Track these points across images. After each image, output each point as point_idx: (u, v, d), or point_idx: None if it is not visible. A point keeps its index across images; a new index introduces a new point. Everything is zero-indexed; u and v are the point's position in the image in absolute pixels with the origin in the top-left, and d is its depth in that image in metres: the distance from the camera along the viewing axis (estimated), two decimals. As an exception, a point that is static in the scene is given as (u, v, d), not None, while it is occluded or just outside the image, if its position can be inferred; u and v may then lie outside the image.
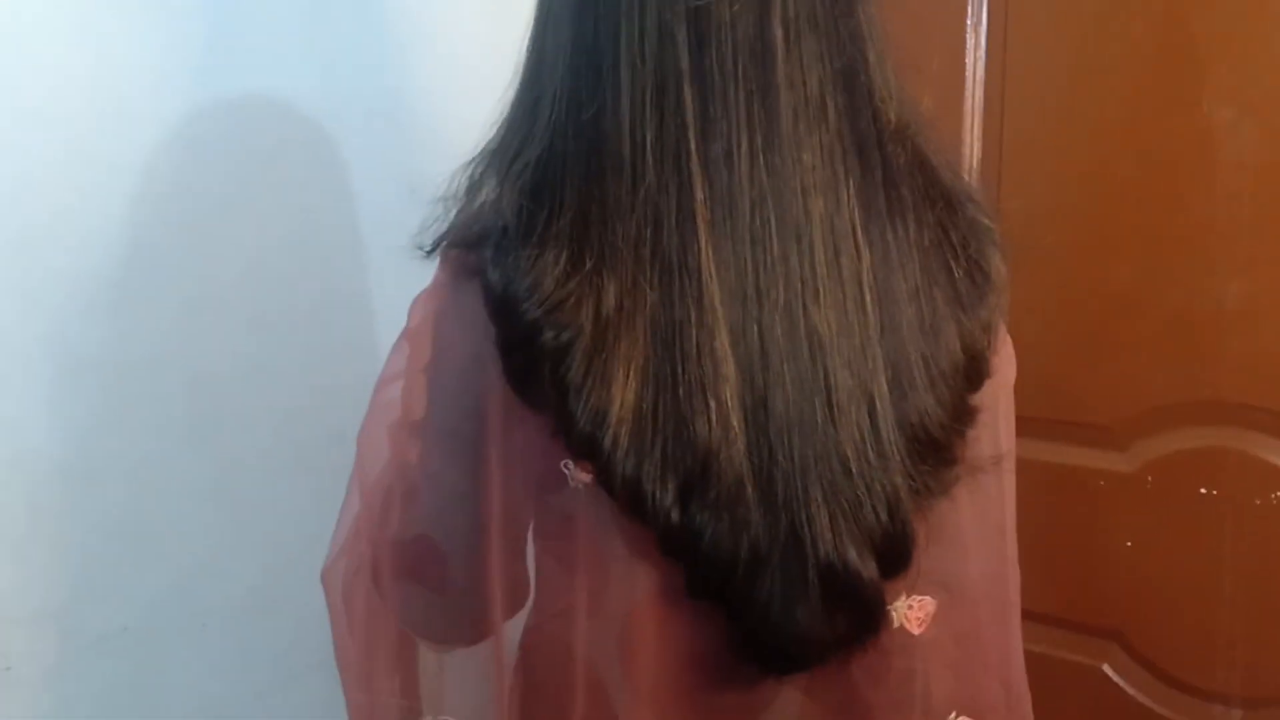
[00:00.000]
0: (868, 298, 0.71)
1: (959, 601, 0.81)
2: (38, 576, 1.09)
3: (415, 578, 0.80)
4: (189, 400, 1.17)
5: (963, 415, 0.75)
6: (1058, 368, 1.48)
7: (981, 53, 1.51)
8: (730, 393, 0.68)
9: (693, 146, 0.69)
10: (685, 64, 0.70)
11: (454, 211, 0.76)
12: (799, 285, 0.70)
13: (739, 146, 0.69)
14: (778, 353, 0.69)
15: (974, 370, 0.76)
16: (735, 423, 0.68)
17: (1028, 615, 1.47)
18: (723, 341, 0.68)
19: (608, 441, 0.67)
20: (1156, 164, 1.38)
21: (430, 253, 0.76)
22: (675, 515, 0.68)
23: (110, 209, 1.08)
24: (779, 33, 0.70)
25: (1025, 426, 1.49)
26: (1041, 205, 1.48)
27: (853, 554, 0.69)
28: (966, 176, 1.53)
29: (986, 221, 0.77)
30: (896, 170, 0.74)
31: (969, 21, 1.51)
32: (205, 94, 1.14)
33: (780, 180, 0.70)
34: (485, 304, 0.71)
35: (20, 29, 1.01)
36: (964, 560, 0.82)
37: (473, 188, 0.75)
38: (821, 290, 0.70)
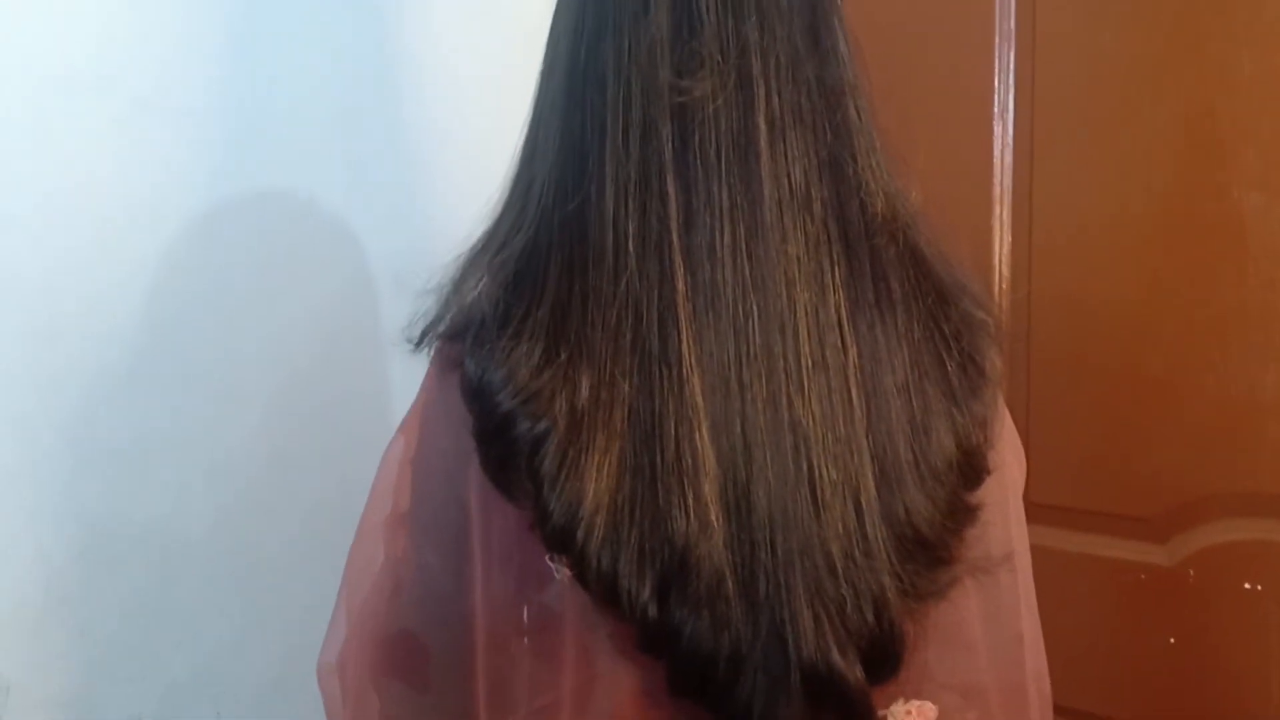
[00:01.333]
0: (854, 391, 0.70)
1: (968, 708, 0.78)
2: (55, 663, 1.10)
3: (398, 675, 0.79)
4: (209, 489, 1.19)
5: (959, 514, 0.73)
6: (1095, 458, 1.45)
7: (1009, 139, 1.51)
8: (710, 485, 0.67)
9: (675, 238, 0.69)
10: (668, 157, 0.70)
11: (443, 303, 0.77)
12: (783, 377, 0.69)
13: (722, 238, 0.69)
14: (760, 445, 0.68)
15: (969, 467, 0.74)
16: (714, 516, 0.67)
17: (1068, 714, 1.42)
18: (703, 433, 0.67)
19: (581, 534, 0.67)
20: (1188, 251, 1.35)
21: (418, 345, 0.77)
22: (653, 610, 0.67)
23: (134, 302, 1.12)
24: (763, 127, 0.71)
25: (1063, 518, 1.48)
26: (1073, 293, 1.45)
27: (836, 656, 0.67)
28: (996, 263, 1.52)
29: (981, 315, 0.76)
30: (885, 262, 0.73)
31: (995, 109, 1.51)
32: (229, 191, 1.18)
33: (764, 271, 0.70)
34: (462, 394, 0.71)
35: (50, 128, 1.05)
36: (973, 665, 0.79)
37: (462, 279, 0.76)
38: (806, 382, 0.69)
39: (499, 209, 0.78)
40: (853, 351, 0.70)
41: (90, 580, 1.12)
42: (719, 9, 0.71)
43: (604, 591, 0.68)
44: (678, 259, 0.69)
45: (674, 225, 0.70)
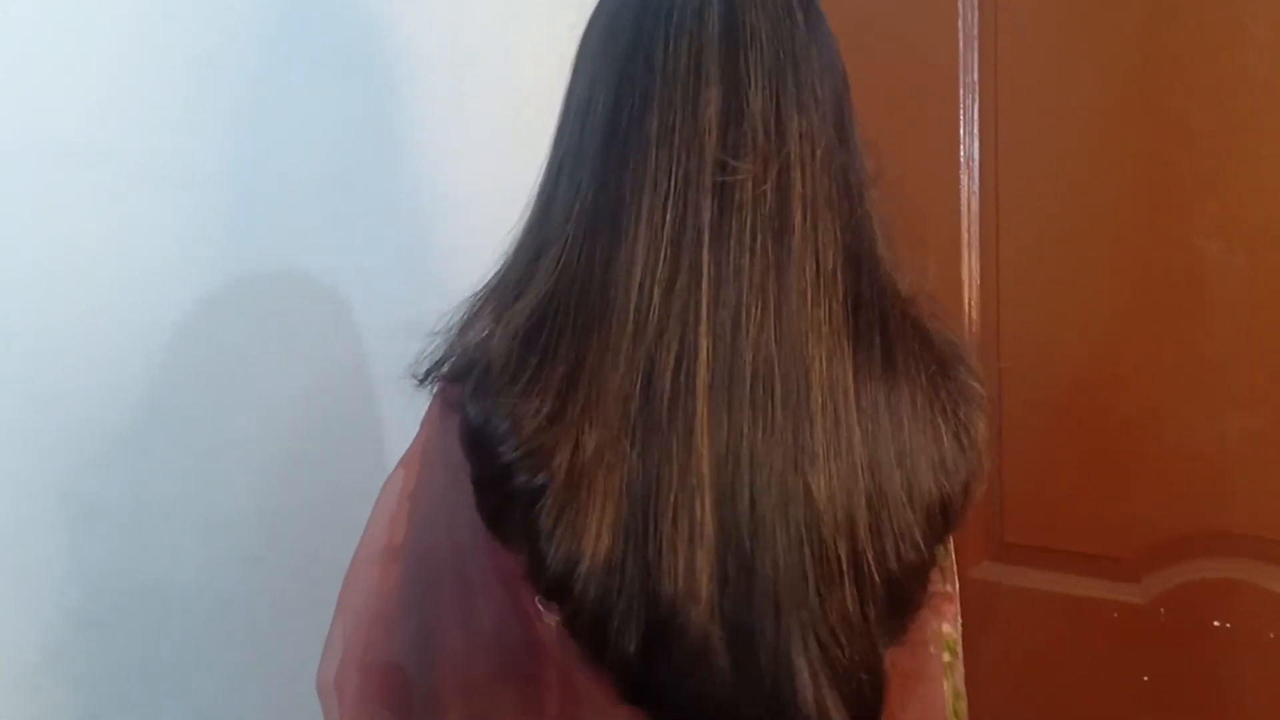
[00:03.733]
0: (861, 467, 0.72)
1: None
2: (49, 719, 1.09)
3: (387, 705, 0.79)
4: (203, 546, 1.18)
5: (931, 567, 0.79)
6: (1068, 500, 1.48)
7: (976, 188, 1.54)
8: (704, 555, 0.69)
9: (704, 310, 0.71)
10: (706, 232, 0.72)
11: (448, 344, 0.78)
12: (796, 454, 0.71)
13: (749, 315, 0.71)
14: (768, 520, 0.70)
15: (946, 530, 0.78)
16: (704, 583, 0.69)
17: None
18: (705, 504, 0.69)
19: (577, 587, 0.68)
20: (1151, 299, 1.40)
21: (422, 382, 0.78)
22: (638, 665, 0.69)
23: (130, 364, 1.11)
24: (798, 211, 0.73)
25: (1037, 557, 1.51)
26: (1041, 338, 1.49)
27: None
28: (966, 308, 1.55)
29: (976, 385, 0.79)
30: (896, 341, 0.76)
31: (962, 158, 1.55)
32: (224, 254, 1.18)
33: (786, 350, 0.71)
34: (460, 439, 0.72)
35: (49, 198, 1.05)
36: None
37: (468, 322, 0.77)
38: (822, 462, 0.71)
39: (511, 255, 0.79)
40: (865, 429, 0.73)
41: (84, 637, 1.11)
42: (764, 93, 0.73)
43: (592, 643, 0.70)
44: (703, 330, 0.71)
45: (704, 297, 0.71)
